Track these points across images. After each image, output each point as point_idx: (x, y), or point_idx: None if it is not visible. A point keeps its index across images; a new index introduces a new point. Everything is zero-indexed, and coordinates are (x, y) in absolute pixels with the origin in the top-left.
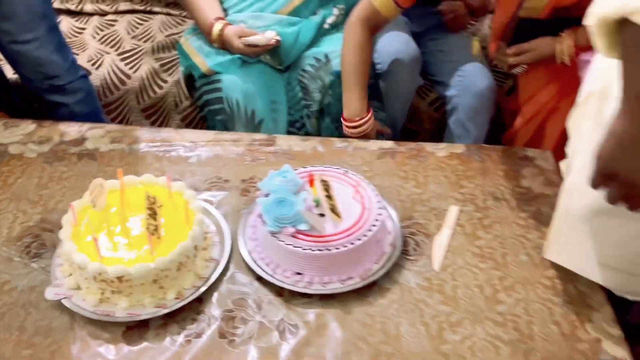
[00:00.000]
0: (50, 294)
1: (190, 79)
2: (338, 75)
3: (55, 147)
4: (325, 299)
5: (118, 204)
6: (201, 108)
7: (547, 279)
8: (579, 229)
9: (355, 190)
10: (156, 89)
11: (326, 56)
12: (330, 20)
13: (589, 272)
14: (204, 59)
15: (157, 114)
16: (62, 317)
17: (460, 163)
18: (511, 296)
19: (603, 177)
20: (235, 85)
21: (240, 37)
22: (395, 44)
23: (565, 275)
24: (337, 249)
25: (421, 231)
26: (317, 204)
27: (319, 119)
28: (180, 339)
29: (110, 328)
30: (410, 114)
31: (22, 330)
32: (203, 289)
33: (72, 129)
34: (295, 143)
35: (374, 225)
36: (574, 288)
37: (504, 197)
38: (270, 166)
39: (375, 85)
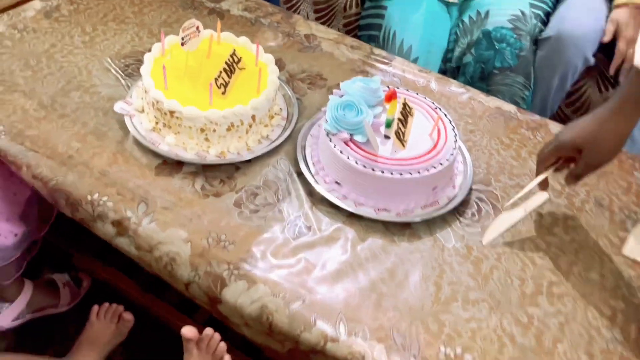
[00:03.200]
0: (118, 106)
1: None
2: (487, 35)
3: None
4: (351, 217)
5: (206, 52)
6: (360, 28)
7: (608, 307)
8: None
9: (435, 127)
10: None
11: (487, 12)
12: None
13: None
14: None
15: (325, 11)
16: (118, 131)
17: None
18: (553, 305)
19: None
20: (399, 17)
21: None
22: (577, 10)
23: (635, 314)
24: (382, 172)
25: (491, 201)
26: (388, 124)
27: (454, 77)
28: (200, 190)
29: (150, 156)
30: (576, 102)
31: (83, 125)
32: (244, 158)
33: None
34: (410, 70)
35: (434, 167)
36: (637, 331)
37: (610, 208)
38: None
39: (527, 58)
